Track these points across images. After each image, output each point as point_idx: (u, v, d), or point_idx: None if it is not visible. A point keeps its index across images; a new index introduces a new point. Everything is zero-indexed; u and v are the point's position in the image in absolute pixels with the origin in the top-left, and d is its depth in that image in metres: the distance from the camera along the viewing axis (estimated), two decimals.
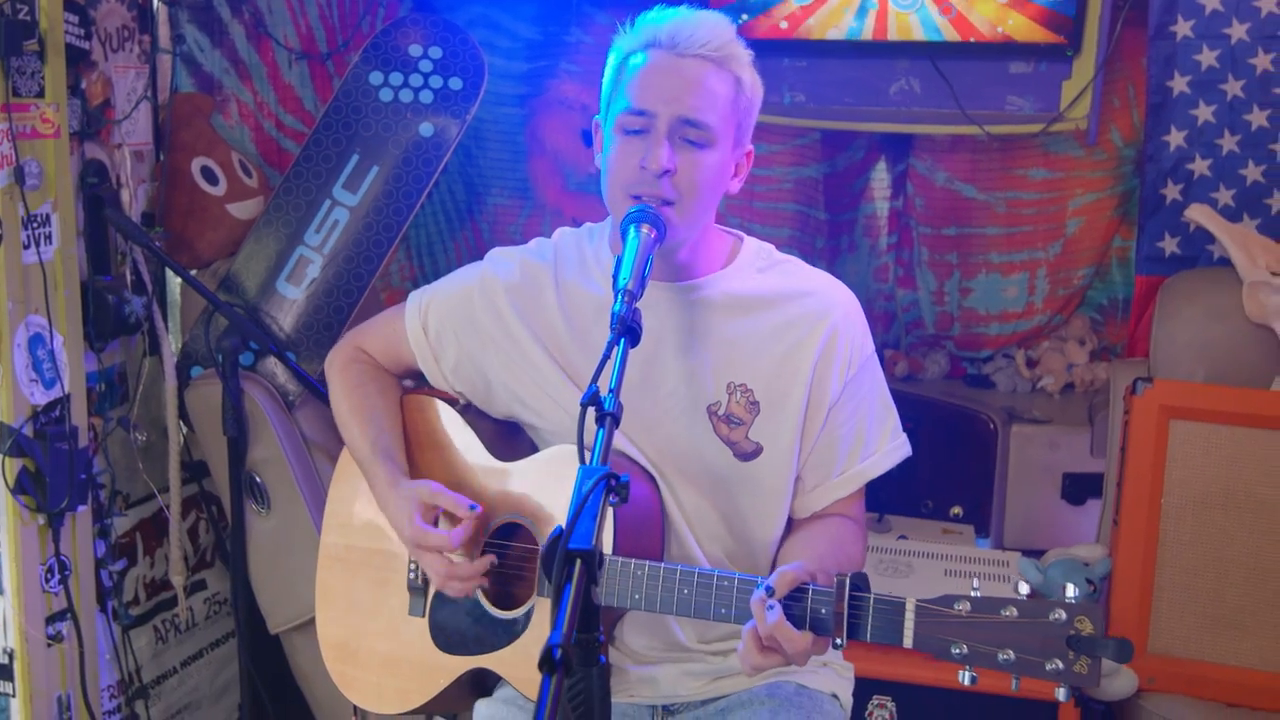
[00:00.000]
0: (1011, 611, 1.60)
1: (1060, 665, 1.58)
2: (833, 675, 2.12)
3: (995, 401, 3.77)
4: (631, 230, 1.86)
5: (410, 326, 2.17)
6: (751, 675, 1.90)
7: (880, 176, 4.04)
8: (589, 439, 1.61)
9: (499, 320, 2.09)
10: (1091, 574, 2.95)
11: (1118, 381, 3.12)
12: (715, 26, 1.92)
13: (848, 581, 1.67)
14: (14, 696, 2.69)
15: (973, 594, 1.63)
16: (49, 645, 2.71)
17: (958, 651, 1.62)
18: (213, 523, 3.25)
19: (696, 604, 1.76)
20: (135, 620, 3.04)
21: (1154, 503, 2.85)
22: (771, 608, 1.65)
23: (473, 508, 1.99)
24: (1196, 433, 2.83)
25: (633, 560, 1.81)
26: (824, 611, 1.67)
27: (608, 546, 1.87)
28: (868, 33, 3.36)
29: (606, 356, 1.69)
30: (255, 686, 3.01)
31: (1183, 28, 3.11)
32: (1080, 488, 3.56)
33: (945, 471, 3.52)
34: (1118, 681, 2.81)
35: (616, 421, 1.62)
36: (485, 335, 2.10)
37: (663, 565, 1.80)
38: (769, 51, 3.49)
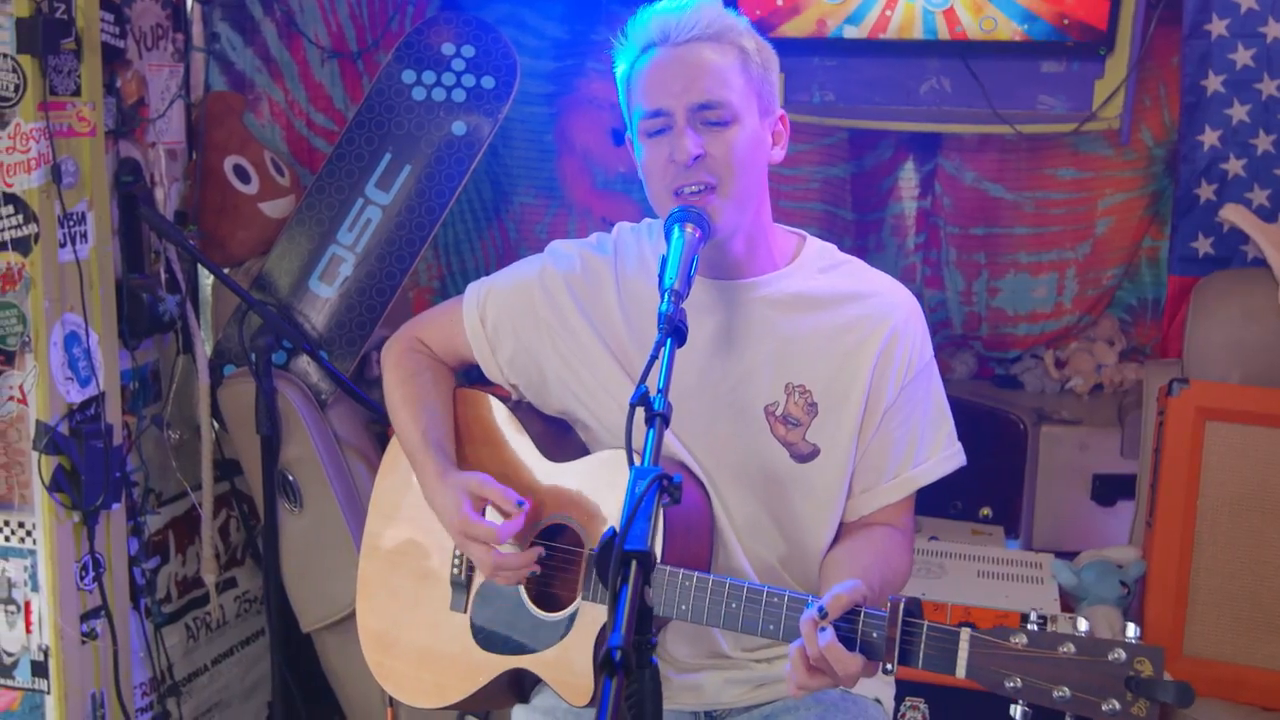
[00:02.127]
0: (1069, 648, 1.57)
1: (1117, 706, 1.54)
2: (875, 680, 2.11)
3: (1024, 402, 3.76)
4: (676, 230, 1.85)
5: (468, 318, 2.15)
6: (799, 695, 1.88)
7: (908, 176, 4.02)
8: (639, 439, 1.59)
9: (559, 314, 2.07)
10: (1125, 576, 2.94)
11: (1151, 383, 3.10)
12: (701, 7, 1.92)
13: (901, 605, 1.65)
14: (49, 693, 2.70)
15: (1030, 627, 1.61)
16: (83, 642, 2.72)
17: (1011, 685, 1.59)
18: (243, 521, 3.26)
19: (744, 619, 1.75)
20: (167, 618, 3.05)
21: (1189, 505, 2.84)
22: (824, 630, 1.63)
23: (521, 503, 1.99)
24: (1232, 434, 2.82)
25: (681, 570, 1.81)
26: (875, 635, 1.65)
27: (658, 552, 1.86)
28: (897, 31, 3.34)
29: (654, 356, 1.68)
30: (287, 685, 3.00)
31: (1218, 26, 3.09)
32: (1110, 489, 3.55)
33: (974, 472, 3.47)
34: None
35: (666, 421, 1.61)
36: (544, 328, 2.08)
37: (711, 577, 1.79)
38: (799, 50, 3.49)
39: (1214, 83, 3.13)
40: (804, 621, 1.65)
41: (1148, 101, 3.60)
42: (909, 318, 2.02)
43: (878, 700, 2.10)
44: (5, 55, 2.46)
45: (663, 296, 1.74)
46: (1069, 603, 2.97)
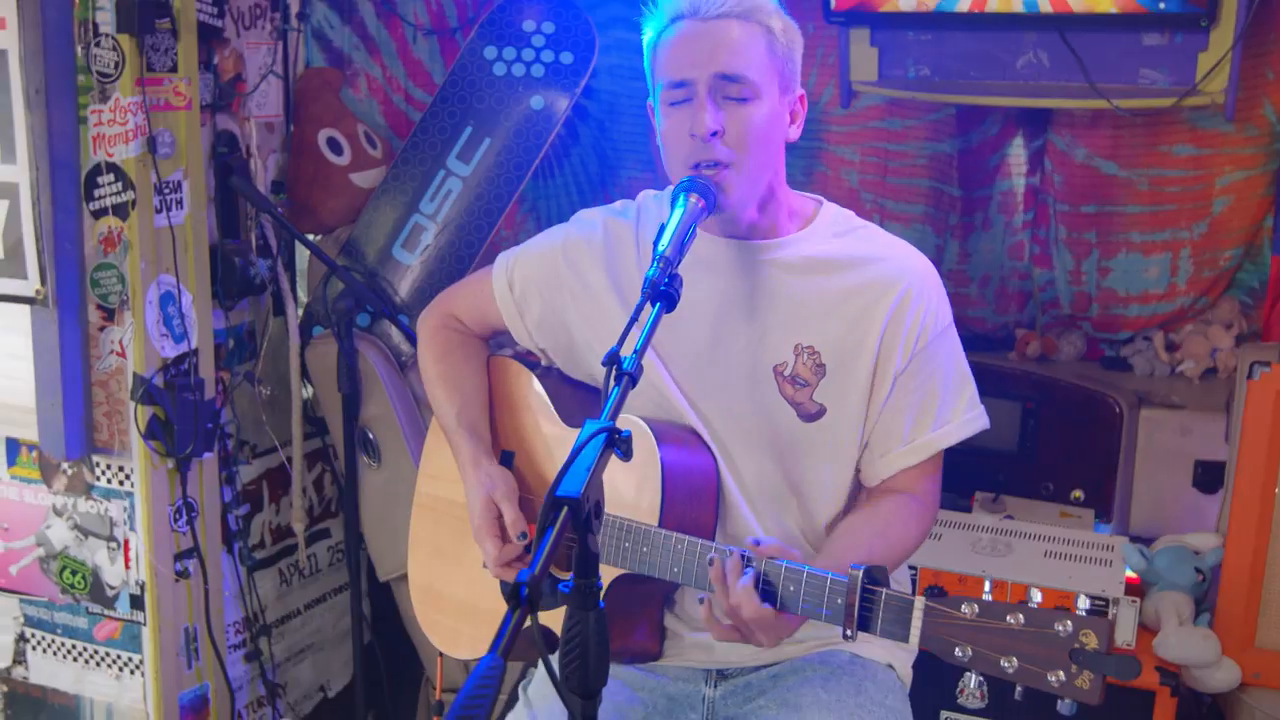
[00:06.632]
0: (1018, 618, 1.59)
1: (1063, 677, 1.56)
2: (890, 645, 2.12)
3: (1128, 385, 3.64)
4: (680, 198, 1.91)
5: (497, 285, 2.25)
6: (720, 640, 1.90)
7: (1017, 152, 3.92)
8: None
9: (581, 279, 2.15)
10: (1201, 563, 2.86)
11: (1245, 366, 3.00)
12: None
13: (861, 575, 1.70)
14: (145, 625, 2.92)
15: (984, 597, 1.63)
16: (176, 580, 2.93)
17: (961, 654, 1.62)
18: (335, 475, 3.43)
19: None
20: (259, 563, 3.24)
21: (1268, 492, 2.74)
22: (744, 575, 1.75)
23: (522, 536, 2.07)
24: None
25: (674, 534, 1.87)
26: (839, 601, 1.71)
27: (653, 518, 1.92)
28: (994, 4, 3.28)
29: (634, 320, 1.74)
30: (363, 630, 3.16)
31: None
32: (1214, 475, 3.42)
33: (1067, 454, 3.43)
34: (1219, 674, 2.71)
35: (634, 382, 1.67)
36: (568, 293, 2.16)
37: (700, 541, 1.85)
38: (892, 24, 3.45)
39: None
40: (714, 573, 1.77)
41: (1270, 75, 3.44)
42: (922, 282, 2.02)
43: (890, 666, 2.11)
44: (106, 35, 2.67)
45: (653, 262, 1.80)
46: (1142, 587, 2.90)
